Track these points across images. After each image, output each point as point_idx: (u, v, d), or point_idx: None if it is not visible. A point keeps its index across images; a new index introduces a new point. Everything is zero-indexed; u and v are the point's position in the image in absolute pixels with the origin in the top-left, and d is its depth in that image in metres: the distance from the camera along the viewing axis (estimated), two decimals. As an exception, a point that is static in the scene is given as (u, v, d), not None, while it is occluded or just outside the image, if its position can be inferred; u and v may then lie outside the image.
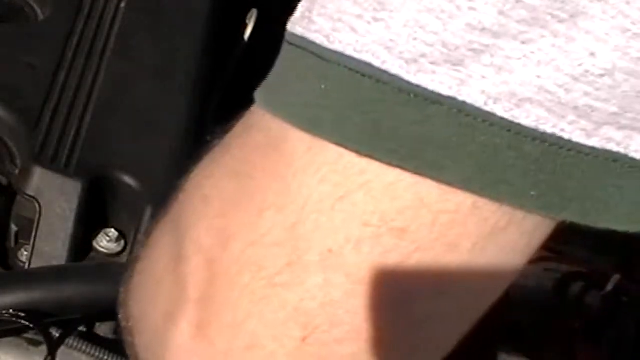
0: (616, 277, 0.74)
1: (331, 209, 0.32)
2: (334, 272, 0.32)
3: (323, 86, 0.31)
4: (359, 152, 0.31)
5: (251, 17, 0.75)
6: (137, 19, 0.71)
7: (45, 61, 0.66)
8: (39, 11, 0.71)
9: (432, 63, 0.29)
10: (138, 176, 0.62)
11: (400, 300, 0.33)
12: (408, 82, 0.30)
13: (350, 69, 0.30)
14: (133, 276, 0.40)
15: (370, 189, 0.31)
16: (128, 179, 0.62)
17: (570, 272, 0.77)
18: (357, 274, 0.32)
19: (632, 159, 0.30)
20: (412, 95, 0.30)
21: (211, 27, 0.72)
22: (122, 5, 0.71)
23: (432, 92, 0.30)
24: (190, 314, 0.35)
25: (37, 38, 0.68)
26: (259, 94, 0.34)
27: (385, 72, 0.30)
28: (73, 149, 0.63)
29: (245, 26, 0.75)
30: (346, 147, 0.31)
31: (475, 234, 0.32)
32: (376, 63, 0.30)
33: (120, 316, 0.41)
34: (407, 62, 0.30)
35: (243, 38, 0.75)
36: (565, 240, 0.78)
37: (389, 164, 0.31)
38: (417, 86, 0.30)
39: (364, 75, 0.30)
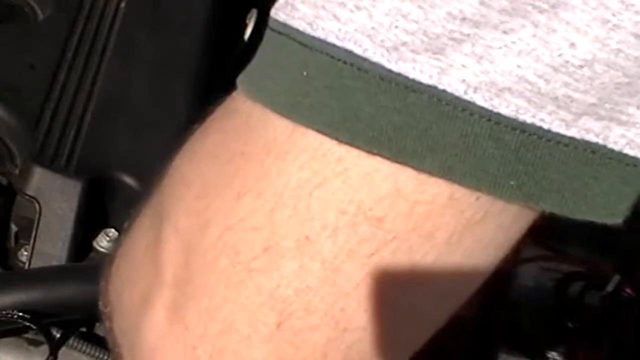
0: (616, 278, 0.74)
1: (309, 196, 0.32)
2: (309, 258, 0.32)
3: (304, 73, 0.31)
4: (338, 139, 0.31)
5: (251, 17, 0.75)
6: (137, 19, 0.71)
7: (45, 61, 0.66)
8: (39, 11, 0.71)
9: (412, 51, 0.30)
10: (138, 176, 0.62)
11: (375, 288, 0.33)
12: (389, 70, 0.30)
13: (332, 57, 0.30)
14: (113, 261, 0.40)
15: (348, 177, 0.32)
16: (128, 179, 0.62)
17: (570, 272, 0.77)
18: (333, 262, 0.32)
19: (611, 150, 0.30)
20: (392, 84, 0.30)
21: (211, 27, 0.72)
22: (122, 5, 0.71)
23: (413, 81, 0.30)
24: (166, 297, 0.35)
25: (37, 38, 0.68)
26: (240, 79, 0.34)
27: (366, 59, 0.30)
28: (73, 149, 0.63)
29: (245, 26, 0.75)
30: (325, 134, 0.31)
31: (451, 225, 0.32)
32: (357, 51, 0.30)
33: (99, 303, 0.41)
34: (388, 50, 0.30)
35: (243, 38, 0.75)
36: (565, 240, 0.78)
37: (368, 152, 0.31)
38: (398, 74, 0.30)
39: (345, 63, 0.30)
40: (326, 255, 0.32)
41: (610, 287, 0.74)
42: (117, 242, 0.41)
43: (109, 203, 0.63)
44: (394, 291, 0.33)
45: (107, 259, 0.41)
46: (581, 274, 0.77)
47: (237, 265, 0.33)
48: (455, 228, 0.32)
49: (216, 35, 0.73)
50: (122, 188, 0.62)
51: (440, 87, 0.30)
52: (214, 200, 0.34)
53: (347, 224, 0.32)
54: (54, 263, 0.60)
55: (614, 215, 0.31)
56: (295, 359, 0.34)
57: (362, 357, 0.35)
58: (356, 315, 0.33)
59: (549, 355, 0.75)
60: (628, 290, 0.74)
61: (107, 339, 0.40)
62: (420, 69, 0.30)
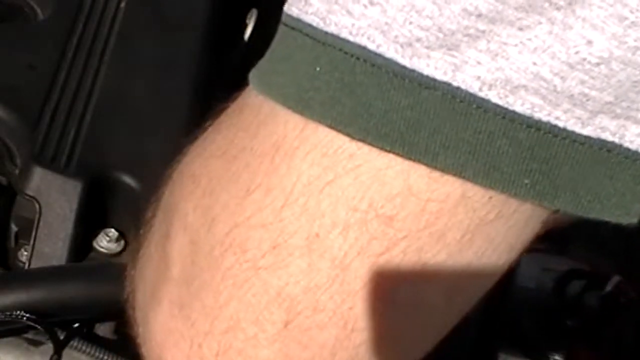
0: (616, 278, 0.74)
1: (319, 193, 0.32)
2: (319, 256, 0.32)
3: (317, 68, 0.31)
4: (349, 135, 0.31)
5: (251, 17, 0.75)
6: (137, 19, 0.71)
7: (45, 61, 0.66)
8: (39, 11, 0.71)
9: (427, 47, 0.29)
10: (138, 176, 0.62)
11: (385, 287, 0.33)
12: (402, 66, 0.30)
13: (345, 52, 0.30)
14: (137, 253, 0.40)
15: (360, 174, 0.31)
16: (128, 179, 0.62)
17: (568, 271, 0.77)
18: (343, 260, 0.32)
19: (626, 149, 0.30)
20: (406, 80, 0.30)
21: (211, 27, 0.72)
22: (122, 5, 0.71)
23: (427, 77, 0.29)
24: (173, 293, 0.35)
25: (37, 38, 0.68)
26: (252, 74, 0.34)
27: (379, 55, 0.30)
28: (73, 149, 0.63)
29: (245, 26, 0.75)
30: (337, 130, 0.31)
31: (463, 224, 0.32)
32: (371, 46, 0.30)
33: (125, 290, 0.41)
34: (402, 46, 0.29)
35: (243, 38, 0.75)
36: (565, 240, 0.78)
37: (380, 148, 0.31)
38: (412, 70, 0.30)
39: (358, 59, 0.30)
40: (336, 253, 0.32)
41: (609, 287, 0.74)
42: (139, 236, 0.40)
43: (109, 203, 0.63)
44: (403, 290, 0.33)
45: (129, 249, 0.41)
46: (580, 273, 0.77)
47: (244, 263, 0.33)
48: (468, 227, 0.32)
49: (216, 35, 0.72)
50: (122, 188, 0.62)
51: (455, 83, 0.29)
52: (221, 196, 0.34)
53: (358, 221, 0.32)
54: (54, 263, 0.60)
55: (628, 215, 0.31)
56: (302, 359, 0.34)
57: (370, 357, 0.34)
58: (365, 314, 0.33)
59: (549, 355, 0.75)
60: (628, 290, 0.74)
61: (130, 325, 0.40)
62: (434, 66, 0.29)
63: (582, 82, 0.29)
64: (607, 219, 0.31)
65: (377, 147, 0.31)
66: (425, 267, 0.33)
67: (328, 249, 0.32)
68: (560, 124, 0.29)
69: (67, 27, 0.69)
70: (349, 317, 0.33)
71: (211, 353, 0.34)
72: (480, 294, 0.35)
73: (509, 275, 0.36)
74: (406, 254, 0.32)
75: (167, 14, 0.72)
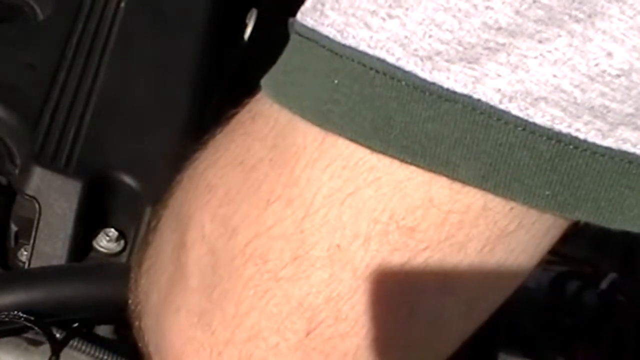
0: (612, 276, 0.74)
1: (340, 204, 0.32)
2: (340, 267, 0.32)
3: (335, 81, 0.31)
4: (370, 147, 0.31)
5: (251, 17, 0.75)
6: (137, 19, 0.71)
7: (45, 61, 0.66)
8: (38, 11, 0.70)
9: (447, 61, 0.29)
10: (138, 176, 0.62)
11: (406, 298, 0.33)
12: (422, 80, 0.30)
13: (364, 65, 0.30)
14: (142, 261, 0.40)
15: (381, 186, 0.31)
16: (128, 179, 0.62)
17: (567, 271, 0.77)
18: (364, 270, 0.32)
19: None
20: (426, 93, 0.30)
21: (211, 27, 0.72)
22: (122, 5, 0.71)
23: (447, 90, 0.29)
24: (192, 302, 0.35)
25: (37, 38, 0.68)
26: (266, 83, 0.34)
27: (399, 68, 0.30)
28: (73, 149, 0.63)
29: (245, 26, 0.75)
30: (357, 143, 0.31)
31: (484, 235, 0.32)
32: (390, 59, 0.30)
33: (130, 302, 0.41)
34: (421, 59, 0.30)
35: (243, 38, 0.75)
36: (564, 240, 0.78)
37: (401, 160, 0.31)
38: (432, 83, 0.30)
39: (377, 72, 0.30)
40: (357, 264, 0.32)
41: (604, 285, 0.74)
42: (144, 241, 0.40)
43: (109, 203, 0.63)
44: (424, 301, 0.33)
45: (135, 257, 0.41)
46: (578, 272, 0.77)
47: (265, 274, 0.33)
48: (489, 238, 0.32)
49: (216, 35, 0.73)
50: (122, 188, 0.62)
51: (475, 96, 0.29)
52: (241, 207, 0.34)
53: (379, 233, 0.32)
54: (54, 263, 0.60)
55: None
56: None
57: None
58: (386, 324, 0.33)
59: (548, 354, 0.75)
60: (624, 288, 0.74)
61: (136, 337, 0.40)
62: (454, 79, 0.29)
63: (603, 94, 0.29)
64: (629, 229, 0.31)
65: (398, 159, 0.31)
66: (446, 278, 0.33)
67: (350, 260, 0.32)
68: (581, 136, 0.29)
69: (67, 27, 0.69)
70: (371, 327, 0.33)
71: None
72: (499, 302, 0.35)
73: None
74: (427, 264, 0.32)
75: (167, 14, 0.72)
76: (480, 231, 0.32)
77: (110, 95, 0.66)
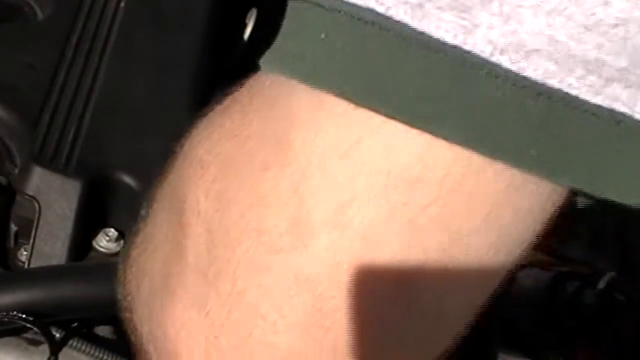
0: (610, 275, 0.74)
1: (337, 165, 0.31)
2: (341, 230, 0.31)
3: (323, 35, 0.30)
4: (362, 105, 0.30)
5: (251, 17, 0.75)
6: (137, 19, 0.71)
7: (45, 61, 0.66)
8: (38, 11, 0.70)
9: (438, 8, 0.28)
10: (138, 176, 0.62)
11: (411, 260, 0.32)
12: (412, 29, 0.29)
13: (352, 16, 0.29)
14: (130, 252, 0.38)
15: (376, 142, 0.30)
16: (128, 179, 0.62)
17: (565, 271, 0.77)
18: (368, 231, 0.31)
19: (636, 121, 0.29)
20: (415, 44, 0.29)
21: (211, 27, 0.72)
22: (122, 5, 0.71)
23: (437, 40, 0.29)
24: (188, 284, 0.33)
25: (37, 38, 0.68)
26: (263, 58, 0.32)
27: (389, 18, 0.29)
28: (72, 149, 0.63)
29: (245, 26, 0.75)
30: (348, 100, 0.30)
31: (490, 188, 0.31)
32: (380, 9, 0.29)
33: (119, 295, 0.39)
34: (412, 7, 0.29)
35: (243, 38, 0.75)
36: (563, 240, 0.78)
37: (390, 117, 0.30)
38: (422, 33, 0.29)
39: (366, 22, 0.29)
40: (360, 225, 0.31)
41: (602, 285, 0.74)
42: (133, 233, 0.39)
43: (109, 203, 0.63)
44: (428, 267, 0.32)
45: (123, 251, 0.40)
46: (577, 271, 0.77)
47: (261, 246, 0.32)
48: (495, 192, 0.31)
49: (216, 35, 0.73)
50: (122, 188, 0.62)
51: (466, 47, 0.28)
52: (235, 179, 0.33)
53: (379, 190, 0.30)
54: (54, 263, 0.60)
55: (636, 197, 0.30)
56: (324, 342, 0.32)
57: (395, 341, 0.33)
58: (392, 292, 0.32)
59: (548, 354, 0.75)
60: (622, 287, 0.74)
61: (127, 330, 0.39)
62: (445, 28, 0.28)
63: (598, 46, 0.28)
64: (615, 199, 0.30)
65: (386, 116, 0.30)
66: (456, 233, 0.31)
67: (350, 221, 0.31)
68: (573, 92, 0.29)
69: (67, 27, 0.69)
70: (375, 297, 0.32)
71: (229, 344, 0.33)
72: (495, 285, 0.34)
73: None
74: (433, 220, 0.31)
75: (167, 13, 0.72)
76: (486, 184, 0.30)
77: (110, 95, 0.66)
